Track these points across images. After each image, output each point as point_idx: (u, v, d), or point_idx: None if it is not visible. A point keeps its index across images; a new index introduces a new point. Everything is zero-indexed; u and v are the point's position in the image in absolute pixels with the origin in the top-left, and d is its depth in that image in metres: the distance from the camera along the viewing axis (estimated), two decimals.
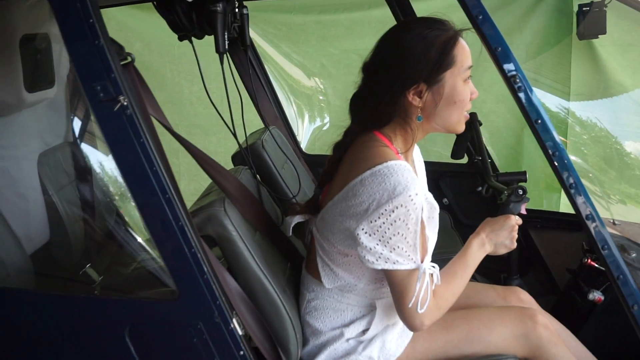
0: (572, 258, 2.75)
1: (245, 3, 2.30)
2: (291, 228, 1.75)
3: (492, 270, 2.71)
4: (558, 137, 1.46)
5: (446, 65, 1.41)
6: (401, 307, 1.45)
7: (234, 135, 1.99)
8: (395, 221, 1.36)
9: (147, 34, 3.60)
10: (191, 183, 3.73)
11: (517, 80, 1.41)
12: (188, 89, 3.61)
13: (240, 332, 1.48)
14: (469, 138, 2.58)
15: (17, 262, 1.92)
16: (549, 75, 3.28)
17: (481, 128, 2.94)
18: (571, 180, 1.47)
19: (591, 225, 1.50)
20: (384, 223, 1.37)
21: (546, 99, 3.17)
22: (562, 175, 1.46)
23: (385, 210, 1.36)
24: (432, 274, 1.45)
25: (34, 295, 1.58)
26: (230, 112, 1.94)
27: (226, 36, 1.85)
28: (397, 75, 1.41)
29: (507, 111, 3.40)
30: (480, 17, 1.41)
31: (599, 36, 2.61)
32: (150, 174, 1.41)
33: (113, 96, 1.37)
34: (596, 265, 2.12)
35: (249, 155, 2.03)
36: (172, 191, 1.42)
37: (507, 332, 1.66)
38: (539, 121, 1.42)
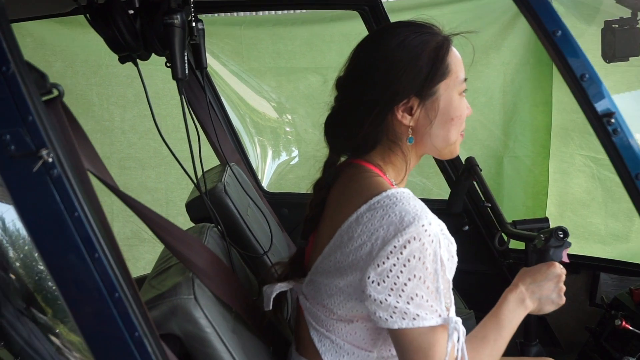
0: (573, 306, 2.47)
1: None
2: (271, 301, 1.34)
3: None
4: None
5: (440, 75, 1.19)
6: None
7: (195, 183, 1.55)
8: (408, 260, 1.07)
9: (70, 52, 3.08)
10: (127, 225, 3.21)
11: (613, 121, 1.04)
12: (120, 116, 3.10)
13: None
14: (467, 186, 2.25)
15: None
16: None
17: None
18: None
19: None
20: (394, 265, 1.08)
21: None
22: None
23: (395, 247, 1.07)
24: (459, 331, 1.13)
25: None
26: (190, 150, 1.51)
27: (186, 57, 1.42)
28: (383, 89, 1.18)
29: (487, 138, 3.11)
30: (559, 33, 1.03)
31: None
32: (90, 264, 0.94)
33: (31, 149, 0.91)
34: (631, 328, 1.80)
35: (213, 209, 1.58)
36: (124, 287, 0.96)
37: None
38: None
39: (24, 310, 1.09)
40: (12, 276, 1.10)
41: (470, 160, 2.22)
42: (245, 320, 1.36)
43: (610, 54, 1.74)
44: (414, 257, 1.07)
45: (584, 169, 3.04)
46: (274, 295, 1.34)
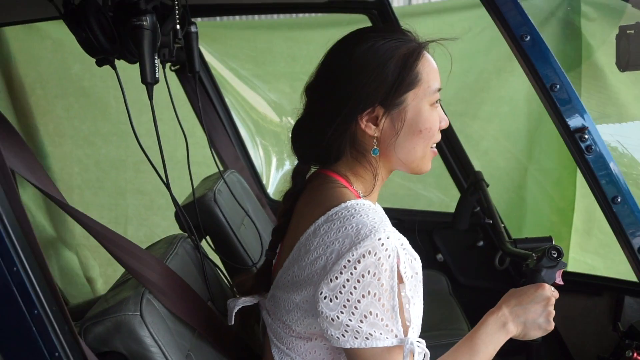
0: (595, 331, 2.31)
1: (197, 20, 1.83)
2: (233, 316, 1.29)
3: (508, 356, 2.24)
4: None
5: (408, 84, 1.12)
6: None
7: (167, 186, 1.51)
8: (363, 275, 1.01)
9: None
10: (140, 229, 3.20)
11: (586, 137, 0.93)
12: (136, 119, 3.08)
13: None
14: (473, 203, 2.14)
15: None
16: None
17: (479, 169, 2.51)
18: None
19: None
20: (347, 280, 1.01)
21: None
22: None
23: (349, 262, 1.01)
24: (420, 353, 1.06)
25: None
26: (162, 157, 1.46)
27: (157, 61, 1.37)
28: (347, 96, 1.11)
29: (510, 148, 2.95)
30: (527, 38, 0.92)
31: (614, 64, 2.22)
32: (8, 277, 0.89)
33: None
34: None
35: (186, 217, 1.53)
36: (45, 302, 0.91)
37: None
38: (619, 199, 0.93)
39: None
40: None
41: (476, 174, 2.10)
42: (207, 338, 1.29)
43: (624, 62, 1.59)
44: (369, 272, 1.01)
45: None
46: (236, 310, 1.28)
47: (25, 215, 0.93)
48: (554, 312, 1.20)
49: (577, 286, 2.35)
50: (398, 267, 1.03)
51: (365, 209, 1.07)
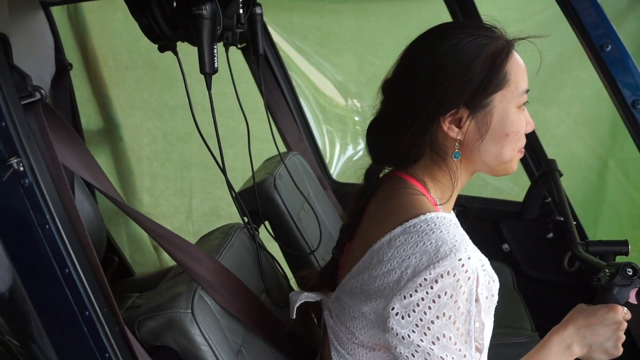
0: None
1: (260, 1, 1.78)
2: (295, 310, 1.25)
3: None
4: None
5: (496, 85, 1.06)
6: None
7: (224, 173, 1.49)
8: (439, 296, 0.97)
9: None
10: (204, 202, 3.25)
11: None
12: (200, 92, 3.10)
13: None
14: (544, 193, 2.02)
15: None
16: None
17: (554, 156, 2.37)
18: None
19: None
20: (422, 299, 0.97)
21: None
22: None
23: (425, 280, 0.97)
24: None
25: None
26: (218, 144, 1.44)
27: (216, 50, 1.34)
28: (429, 96, 1.05)
29: (589, 136, 2.76)
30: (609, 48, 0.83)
31: None
32: (60, 279, 0.90)
33: (3, 157, 0.87)
34: None
35: (243, 206, 1.51)
36: (96, 306, 0.91)
37: None
38: None
39: None
40: None
41: (550, 163, 1.98)
42: (260, 335, 1.28)
43: None
44: (446, 293, 0.96)
45: None
46: (298, 304, 1.25)
47: (79, 217, 0.93)
48: (624, 337, 1.13)
49: None
50: (477, 290, 0.97)
51: (446, 224, 1.01)
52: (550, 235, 2.39)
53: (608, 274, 1.30)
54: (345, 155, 2.97)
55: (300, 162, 2.16)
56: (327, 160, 2.75)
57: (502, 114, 1.07)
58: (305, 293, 1.26)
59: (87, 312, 0.91)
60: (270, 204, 1.81)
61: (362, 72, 2.92)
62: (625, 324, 1.14)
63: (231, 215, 3.53)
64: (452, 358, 0.98)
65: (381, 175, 1.21)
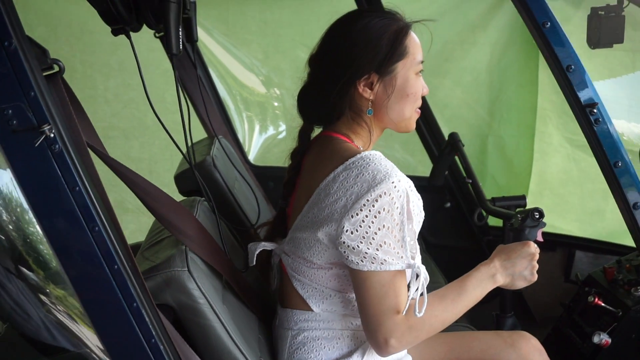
0: (549, 282, 2.55)
1: None
2: (255, 257, 1.47)
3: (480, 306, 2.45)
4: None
5: (398, 56, 1.34)
6: (370, 312, 1.25)
7: (185, 156, 1.57)
8: (379, 212, 1.22)
9: (54, 16, 3.03)
10: (109, 194, 3.20)
11: (595, 111, 1.09)
12: (103, 84, 3.08)
13: None
14: (450, 161, 2.32)
15: None
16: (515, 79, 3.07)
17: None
18: None
19: None
20: (366, 216, 1.23)
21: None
22: None
23: (367, 201, 1.22)
24: (425, 278, 1.28)
25: None
26: (182, 122, 1.52)
27: (180, 32, 1.42)
28: (347, 65, 1.33)
29: (472, 117, 3.15)
30: (548, 25, 1.07)
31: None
32: (90, 236, 0.97)
33: (33, 125, 0.92)
34: (603, 304, 1.87)
35: (204, 183, 1.60)
36: (123, 259, 0.99)
37: None
38: (619, 164, 1.11)
39: (13, 271, 1.11)
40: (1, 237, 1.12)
41: (453, 135, 2.27)
42: (234, 288, 1.41)
43: (595, 41, 1.78)
44: (384, 209, 1.21)
45: (560, 149, 3.10)
46: (258, 251, 1.46)
47: (100, 180, 1.01)
48: (537, 266, 1.38)
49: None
50: (408, 206, 1.23)
51: (378, 158, 1.27)
52: (448, 205, 2.70)
53: (520, 218, 1.58)
54: (260, 141, 3.11)
55: (226, 145, 2.26)
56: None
57: (404, 79, 1.34)
58: (263, 242, 1.48)
59: (115, 266, 0.99)
60: (211, 183, 1.91)
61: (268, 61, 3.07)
62: (537, 256, 1.38)
63: (139, 207, 3.51)
64: (393, 259, 1.22)
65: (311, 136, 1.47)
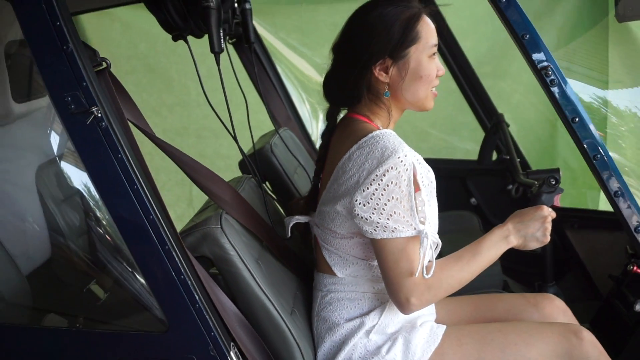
0: (614, 261, 2.53)
1: None
2: (289, 229, 1.64)
3: (526, 275, 2.51)
4: (598, 136, 1.25)
5: (410, 41, 1.43)
6: (390, 276, 1.38)
7: (235, 139, 1.83)
8: (387, 185, 1.34)
9: (153, 34, 3.46)
10: None
11: (550, 73, 1.22)
12: (195, 90, 3.46)
13: None
14: (496, 141, 2.41)
15: (12, 282, 1.79)
16: (584, 62, 3.04)
17: (510, 121, 2.75)
18: (615, 185, 1.27)
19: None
20: (376, 189, 1.35)
21: (581, 89, 2.95)
22: (604, 180, 1.26)
23: (377, 175, 1.34)
24: (434, 242, 1.38)
25: (14, 330, 1.44)
26: (229, 115, 1.78)
27: (221, 34, 1.69)
28: (363, 51, 1.43)
29: (539, 102, 3.16)
30: (504, 0, 1.21)
31: None
32: (130, 193, 1.25)
33: (85, 107, 1.21)
34: None
35: (250, 162, 1.86)
36: (157, 211, 1.26)
37: (548, 350, 1.48)
38: (577, 119, 1.22)
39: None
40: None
41: (499, 116, 2.36)
42: (269, 247, 1.63)
43: (622, 14, 1.82)
44: (392, 182, 1.34)
45: (635, 130, 3.02)
46: (291, 225, 1.64)
47: (139, 149, 1.29)
48: (550, 228, 1.46)
49: (602, 223, 2.59)
50: (415, 177, 1.35)
51: (387, 136, 1.39)
52: (510, 187, 2.77)
53: (537, 185, 1.68)
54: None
55: (291, 136, 2.51)
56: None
57: (417, 62, 1.44)
58: (296, 216, 1.65)
59: (150, 217, 1.26)
60: (269, 167, 2.16)
61: None
62: (550, 219, 1.46)
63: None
64: (403, 227, 1.34)
65: (338, 118, 1.61)
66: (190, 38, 1.85)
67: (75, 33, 1.22)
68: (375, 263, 1.49)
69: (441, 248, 1.43)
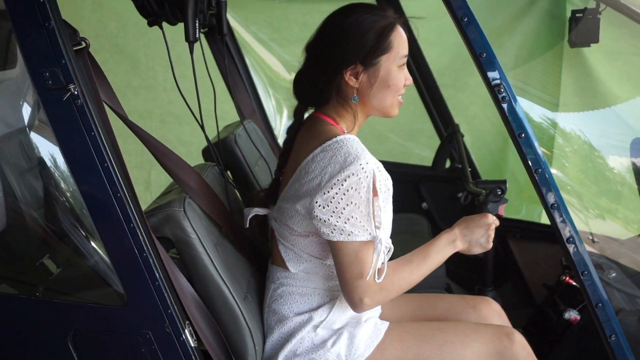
0: (550, 271, 2.69)
1: None
2: (248, 220, 1.67)
3: (468, 279, 2.64)
4: (541, 153, 1.37)
5: (382, 50, 1.46)
6: (345, 277, 1.43)
7: (202, 127, 1.88)
8: (347, 190, 1.38)
9: (124, 15, 3.46)
10: (162, 173, 3.59)
11: (502, 90, 1.33)
12: (162, 75, 3.48)
13: (192, 344, 1.38)
14: (450, 150, 2.53)
15: None
16: (538, 83, 3.20)
17: (465, 132, 2.87)
18: (552, 200, 1.39)
19: (571, 248, 1.42)
20: (336, 193, 1.39)
21: (532, 109, 3.12)
22: (543, 193, 1.38)
23: (338, 180, 1.38)
24: (387, 247, 1.44)
25: None
26: (198, 104, 1.84)
27: (197, 24, 1.74)
28: (336, 55, 1.46)
29: (494, 116, 3.30)
30: (465, 19, 1.31)
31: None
32: (100, 170, 1.30)
33: (63, 84, 1.26)
34: (574, 283, 2.05)
35: (215, 150, 1.92)
36: (124, 189, 1.31)
37: (482, 349, 1.59)
38: (522, 135, 1.33)
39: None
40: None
41: (454, 126, 2.48)
42: (228, 234, 1.69)
43: (573, 40, 1.97)
44: (352, 188, 1.39)
45: (579, 151, 3.20)
46: (250, 216, 1.68)
47: (111, 128, 1.34)
48: (492, 235, 1.56)
49: (542, 235, 2.75)
50: (374, 184, 1.40)
51: (351, 141, 1.43)
52: (460, 194, 2.90)
53: (485, 194, 1.80)
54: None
55: (255, 128, 2.57)
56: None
57: (387, 71, 1.47)
58: (256, 208, 1.70)
59: (118, 194, 1.31)
60: (231, 157, 2.22)
61: None
62: (494, 227, 1.56)
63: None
64: (359, 231, 1.39)
65: (305, 115, 1.64)
66: (164, 24, 1.89)
67: (58, 11, 1.26)
68: (329, 262, 1.55)
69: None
